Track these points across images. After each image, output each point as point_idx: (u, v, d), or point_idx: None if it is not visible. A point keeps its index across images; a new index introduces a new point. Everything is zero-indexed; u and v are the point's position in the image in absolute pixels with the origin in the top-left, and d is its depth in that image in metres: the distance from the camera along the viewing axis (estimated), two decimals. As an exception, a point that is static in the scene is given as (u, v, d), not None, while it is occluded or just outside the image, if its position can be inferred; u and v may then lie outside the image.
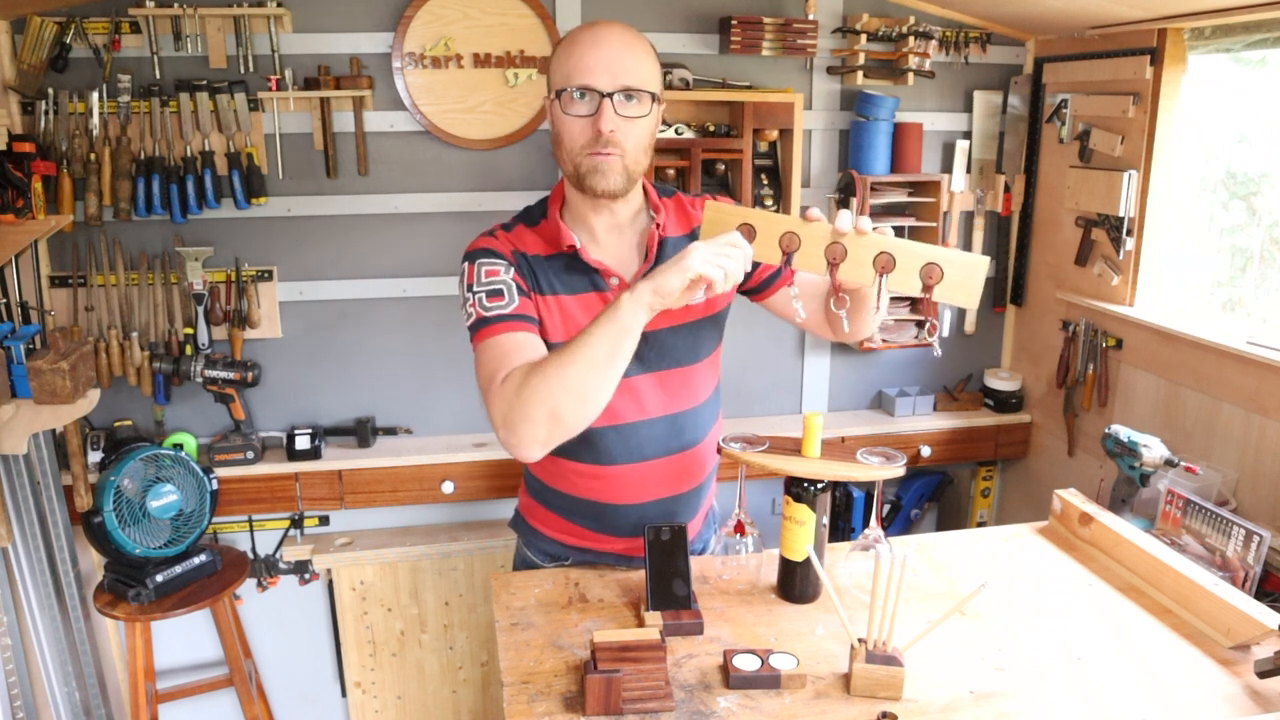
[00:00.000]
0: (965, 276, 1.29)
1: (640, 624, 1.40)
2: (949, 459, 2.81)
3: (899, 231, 2.68)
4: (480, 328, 1.40)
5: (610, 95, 1.36)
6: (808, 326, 1.61)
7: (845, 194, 2.60)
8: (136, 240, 2.37)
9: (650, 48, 1.43)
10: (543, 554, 1.66)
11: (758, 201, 2.56)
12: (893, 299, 2.66)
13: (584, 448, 1.53)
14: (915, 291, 1.31)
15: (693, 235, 1.54)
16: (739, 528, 1.56)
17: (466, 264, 1.45)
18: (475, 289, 1.42)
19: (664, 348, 1.52)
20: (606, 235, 1.50)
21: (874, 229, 1.32)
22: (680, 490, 1.59)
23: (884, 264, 1.29)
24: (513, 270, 1.44)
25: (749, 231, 1.31)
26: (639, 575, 1.54)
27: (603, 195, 1.41)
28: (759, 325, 2.69)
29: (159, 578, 2.15)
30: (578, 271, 1.47)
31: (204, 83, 2.27)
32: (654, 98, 1.41)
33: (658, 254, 1.49)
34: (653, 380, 1.52)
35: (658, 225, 1.49)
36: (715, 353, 1.62)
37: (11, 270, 2.18)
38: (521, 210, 1.55)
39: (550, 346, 1.45)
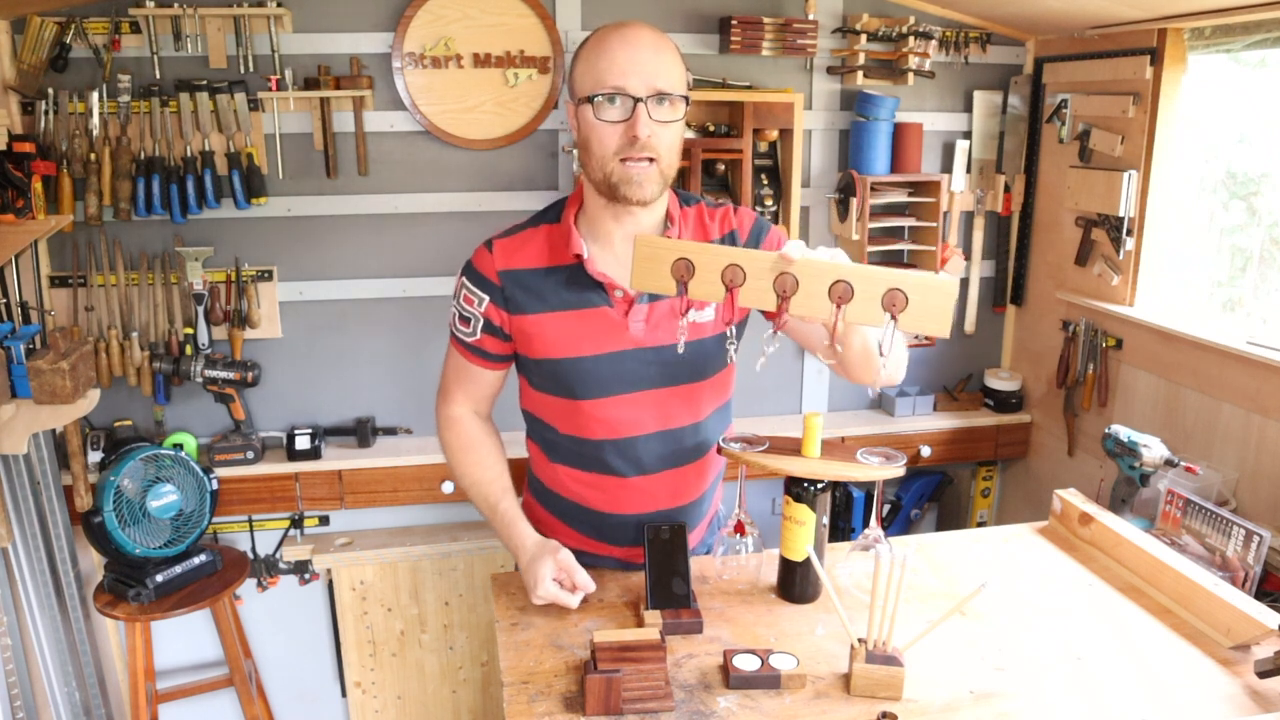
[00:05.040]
0: (933, 302, 1.15)
1: (640, 624, 1.40)
2: (949, 459, 2.81)
3: (899, 232, 2.69)
4: (450, 335, 1.58)
5: (644, 99, 1.32)
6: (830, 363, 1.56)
7: (845, 194, 2.60)
8: (136, 240, 2.37)
9: (677, 49, 1.40)
10: None
11: (758, 201, 2.56)
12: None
13: (584, 459, 1.54)
14: (878, 322, 1.17)
15: None
16: (739, 528, 1.56)
17: (460, 275, 1.53)
18: (454, 305, 1.54)
19: (668, 365, 1.48)
20: (623, 246, 1.44)
21: (831, 256, 1.21)
22: (680, 503, 1.58)
23: (841, 293, 1.17)
24: (486, 303, 1.49)
25: (685, 267, 1.21)
26: (639, 575, 1.54)
27: (637, 203, 1.37)
28: (759, 325, 2.69)
29: (159, 578, 2.15)
30: (580, 284, 1.44)
31: (204, 83, 2.27)
32: (686, 101, 1.38)
33: None
34: (652, 396, 1.49)
35: (669, 238, 1.44)
36: (724, 371, 1.56)
37: (11, 270, 2.18)
38: (540, 210, 1.53)
39: (541, 362, 1.49)
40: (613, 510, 1.56)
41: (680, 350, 1.35)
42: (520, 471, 1.66)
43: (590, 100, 1.34)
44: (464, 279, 1.51)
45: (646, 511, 1.55)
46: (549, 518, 1.64)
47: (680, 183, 2.49)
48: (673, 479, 1.55)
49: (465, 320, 1.51)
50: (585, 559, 1.61)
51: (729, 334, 1.39)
